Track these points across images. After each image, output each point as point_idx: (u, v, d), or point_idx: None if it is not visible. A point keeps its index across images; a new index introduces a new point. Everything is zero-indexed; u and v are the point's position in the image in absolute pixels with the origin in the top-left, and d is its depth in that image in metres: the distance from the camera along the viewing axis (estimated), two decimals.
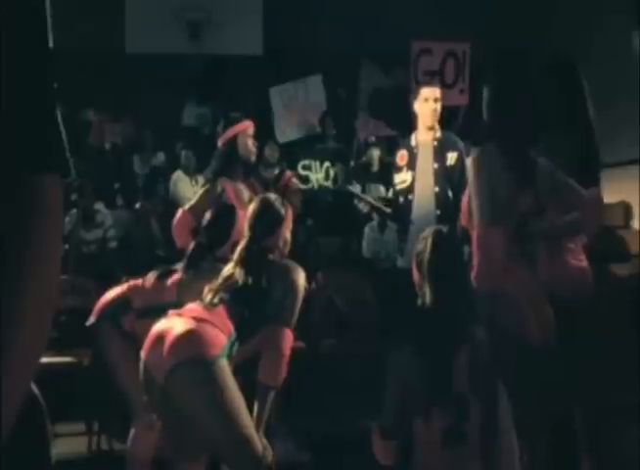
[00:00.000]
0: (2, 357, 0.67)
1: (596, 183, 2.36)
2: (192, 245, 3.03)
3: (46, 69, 0.75)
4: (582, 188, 2.26)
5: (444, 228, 2.38)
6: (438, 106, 4.07)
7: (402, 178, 4.09)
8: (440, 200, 3.96)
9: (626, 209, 4.61)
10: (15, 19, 0.72)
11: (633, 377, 2.31)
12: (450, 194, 3.93)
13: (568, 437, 2.33)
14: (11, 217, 0.70)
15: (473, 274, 2.25)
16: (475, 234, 2.30)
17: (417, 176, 4.05)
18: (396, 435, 2.16)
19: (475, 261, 2.19)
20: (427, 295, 2.19)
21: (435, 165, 4.02)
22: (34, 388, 0.84)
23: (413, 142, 4.13)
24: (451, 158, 4.02)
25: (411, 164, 4.08)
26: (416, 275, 2.28)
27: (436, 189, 3.98)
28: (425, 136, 4.09)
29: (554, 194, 2.23)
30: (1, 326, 0.67)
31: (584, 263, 2.33)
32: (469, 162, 2.28)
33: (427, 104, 4.06)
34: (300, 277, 2.61)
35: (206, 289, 2.60)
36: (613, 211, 4.10)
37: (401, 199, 4.10)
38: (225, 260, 2.90)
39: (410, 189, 4.05)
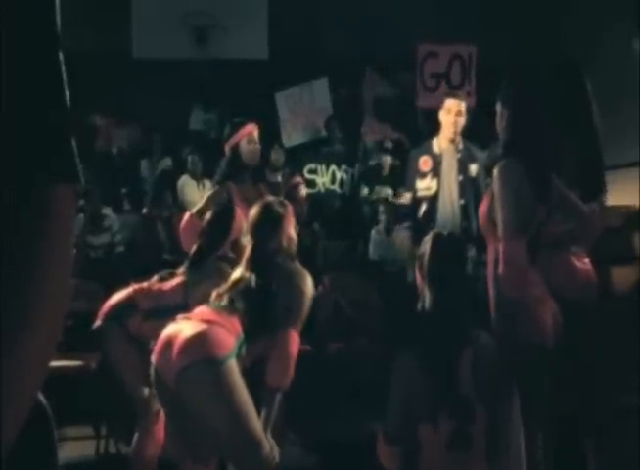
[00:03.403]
0: (13, 359, 0.68)
1: (600, 188, 2.39)
2: (194, 247, 3.06)
3: (59, 75, 0.76)
4: (585, 197, 2.31)
5: (445, 231, 2.41)
6: (461, 119, 4.10)
7: (427, 185, 4.14)
8: (466, 212, 4.05)
9: (630, 211, 4.60)
10: (25, 24, 0.73)
11: (637, 378, 2.32)
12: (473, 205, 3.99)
13: (573, 436, 2.35)
14: (23, 225, 0.71)
15: (500, 283, 2.28)
16: (495, 243, 2.32)
17: (442, 187, 4.11)
18: (401, 440, 2.16)
19: (500, 271, 2.23)
20: (426, 297, 2.21)
21: (460, 178, 4.10)
22: (42, 398, 0.85)
23: (436, 149, 4.16)
24: (473, 170, 4.11)
25: (436, 172, 4.13)
26: (418, 278, 2.30)
27: (462, 201, 4.08)
28: (447, 146, 4.14)
29: (561, 206, 2.27)
30: (12, 329, 0.68)
31: (589, 267, 2.35)
32: (494, 173, 2.32)
33: (449, 115, 4.11)
34: (308, 281, 2.62)
35: (215, 293, 2.62)
36: (616, 214, 4.10)
37: (425, 206, 4.12)
38: (225, 258, 2.94)
39: (435, 197, 4.11)
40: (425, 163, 4.16)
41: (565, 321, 2.24)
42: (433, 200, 4.11)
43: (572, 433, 2.38)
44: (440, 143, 4.16)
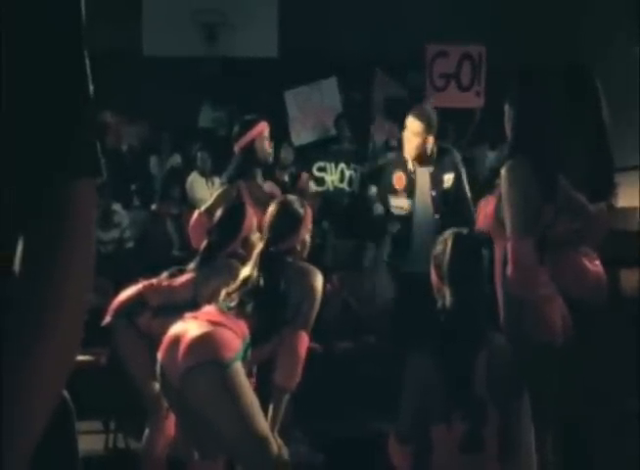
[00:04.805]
0: (34, 359, 0.68)
1: (608, 189, 2.39)
2: (204, 244, 3.07)
3: (84, 71, 0.76)
4: (593, 198, 2.31)
5: (464, 231, 2.39)
6: (416, 139, 3.88)
7: (400, 204, 4.00)
8: (442, 226, 3.92)
9: (631, 213, 4.59)
10: (53, 21, 0.73)
11: None
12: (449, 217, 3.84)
13: (582, 436, 2.35)
14: (44, 225, 0.72)
15: (508, 282, 2.28)
16: (503, 243, 2.33)
17: (416, 204, 3.96)
18: (413, 439, 2.16)
19: (509, 270, 2.23)
20: (446, 297, 2.20)
21: (434, 193, 3.95)
22: (64, 392, 0.86)
23: (410, 165, 4.00)
24: (447, 180, 3.95)
25: (409, 191, 3.97)
26: (434, 278, 2.29)
27: (437, 216, 3.94)
28: (417, 163, 3.97)
29: (568, 206, 2.27)
30: (34, 329, 0.69)
31: (599, 268, 2.35)
32: (502, 173, 2.32)
33: (405, 133, 3.97)
34: (318, 281, 2.60)
35: (223, 292, 2.62)
36: (624, 216, 4.10)
37: (399, 226, 4.01)
38: (235, 255, 2.94)
39: (409, 217, 3.97)
40: (399, 179, 4.00)
41: (574, 322, 2.24)
42: (406, 220, 3.98)
43: (581, 433, 2.38)
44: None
